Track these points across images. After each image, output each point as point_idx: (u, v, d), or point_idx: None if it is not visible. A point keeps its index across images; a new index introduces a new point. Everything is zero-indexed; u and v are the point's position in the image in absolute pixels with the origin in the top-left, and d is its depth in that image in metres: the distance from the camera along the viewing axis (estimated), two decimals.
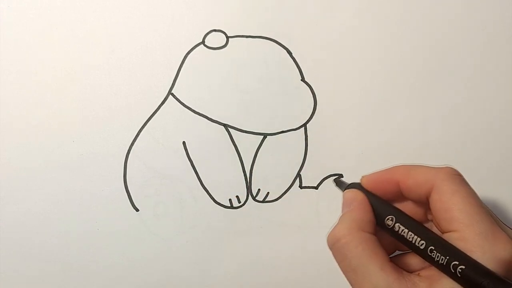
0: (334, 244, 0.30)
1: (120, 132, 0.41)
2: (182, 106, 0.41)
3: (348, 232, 0.29)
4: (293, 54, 0.42)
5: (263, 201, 0.42)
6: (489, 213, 0.28)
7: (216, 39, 0.41)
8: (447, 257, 0.26)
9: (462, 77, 0.42)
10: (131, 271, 0.42)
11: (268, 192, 0.42)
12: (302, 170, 0.42)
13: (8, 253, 0.41)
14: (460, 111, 0.42)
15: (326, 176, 0.42)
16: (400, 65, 0.42)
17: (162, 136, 0.41)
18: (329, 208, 0.42)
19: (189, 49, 0.41)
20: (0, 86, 0.41)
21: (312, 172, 0.42)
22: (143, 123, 0.41)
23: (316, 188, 0.42)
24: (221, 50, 0.41)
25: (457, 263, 0.26)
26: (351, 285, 0.29)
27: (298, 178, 0.42)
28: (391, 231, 0.30)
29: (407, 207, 0.32)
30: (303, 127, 0.42)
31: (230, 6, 0.41)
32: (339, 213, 0.43)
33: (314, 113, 0.42)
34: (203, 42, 0.41)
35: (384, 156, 0.42)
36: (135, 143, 0.41)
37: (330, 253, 0.43)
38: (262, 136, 0.42)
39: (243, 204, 0.42)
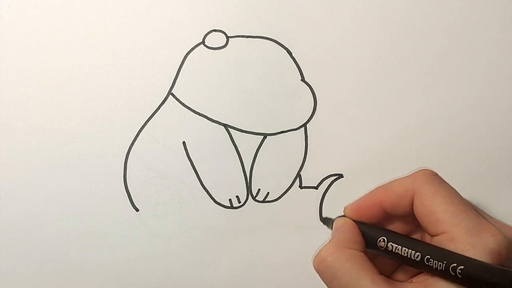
0: (320, 264, 0.29)
1: (120, 132, 0.41)
2: (182, 106, 0.41)
3: (334, 250, 0.29)
4: (293, 54, 0.42)
5: (263, 201, 0.42)
6: (472, 208, 0.28)
7: (216, 39, 0.41)
8: (444, 262, 0.27)
9: (462, 77, 0.42)
10: (131, 271, 0.42)
11: (268, 192, 0.42)
12: (302, 170, 0.42)
13: (8, 253, 0.41)
14: (460, 111, 0.42)
15: (326, 176, 0.42)
16: (400, 65, 0.42)
17: (162, 136, 0.41)
18: (329, 208, 0.42)
19: (189, 49, 0.41)
20: (0, 86, 0.41)
21: (312, 172, 0.42)
22: (143, 123, 0.41)
23: (316, 188, 0.42)
24: (221, 50, 0.41)
25: (455, 265, 0.26)
26: None
27: (298, 178, 0.42)
28: (385, 251, 0.30)
29: (396, 226, 0.32)
30: (303, 127, 0.42)
31: (230, 6, 0.41)
32: (339, 213, 0.43)
33: (314, 113, 0.42)
34: (203, 42, 0.41)
35: (385, 156, 0.42)
36: (135, 143, 0.41)
37: None
38: (262, 136, 0.42)
39: (243, 204, 0.42)
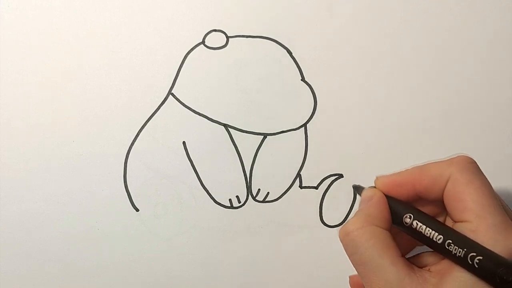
0: (345, 236, 0.29)
1: (120, 132, 0.41)
2: (182, 106, 0.41)
3: (360, 225, 0.29)
4: (293, 54, 0.42)
5: (263, 201, 0.42)
6: (502, 204, 0.28)
7: (216, 39, 0.41)
8: (464, 249, 0.27)
9: (462, 77, 0.42)
10: (131, 271, 0.42)
11: (268, 192, 0.42)
12: (302, 170, 0.42)
13: (8, 253, 0.41)
14: (461, 111, 0.42)
15: (326, 176, 0.42)
16: (400, 65, 0.42)
17: (162, 136, 0.41)
18: (329, 208, 0.42)
19: (189, 49, 0.41)
20: (0, 86, 0.41)
21: (312, 172, 0.42)
22: (143, 123, 0.41)
23: (316, 188, 0.42)
24: (221, 50, 0.41)
25: (474, 254, 0.26)
26: (361, 278, 0.29)
27: (298, 178, 0.42)
28: (409, 228, 0.30)
29: (423, 209, 0.31)
30: (303, 127, 0.42)
31: (230, 6, 0.41)
32: (339, 213, 0.43)
33: (314, 113, 0.42)
34: (203, 42, 0.41)
35: (385, 156, 0.42)
36: (135, 143, 0.41)
37: (330, 253, 0.43)
38: (262, 136, 0.42)
39: (243, 204, 0.42)
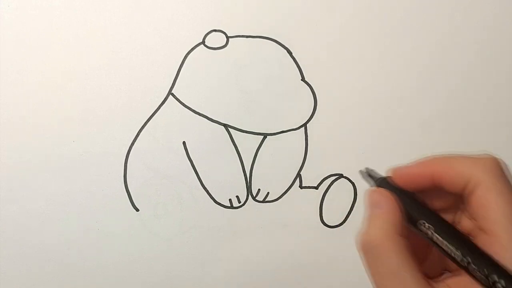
0: (368, 248, 0.28)
1: (120, 132, 0.41)
2: (182, 106, 0.41)
3: (383, 236, 0.28)
4: (293, 54, 0.42)
5: (263, 201, 0.42)
6: None
7: (216, 39, 0.41)
8: (486, 271, 0.25)
9: (462, 77, 0.42)
10: (131, 271, 0.42)
11: (268, 192, 0.42)
12: (302, 170, 0.42)
13: (8, 253, 0.41)
14: (460, 111, 0.42)
15: (326, 176, 0.42)
16: (400, 65, 0.42)
17: (162, 136, 0.41)
18: (329, 208, 0.42)
19: (189, 49, 0.41)
20: (0, 86, 0.41)
21: (312, 172, 0.42)
22: (143, 123, 0.41)
23: (316, 188, 0.42)
24: (221, 50, 0.41)
25: (496, 279, 0.25)
26: (377, 287, 0.28)
27: (298, 178, 0.42)
28: (424, 234, 0.28)
29: (436, 197, 0.30)
30: (303, 127, 0.42)
31: (230, 6, 0.41)
32: (339, 213, 0.43)
33: (314, 113, 0.42)
34: (203, 42, 0.41)
35: (384, 156, 0.42)
36: (135, 143, 0.41)
37: (329, 253, 0.43)
38: (262, 136, 0.42)
39: (243, 204, 0.42)
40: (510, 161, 0.44)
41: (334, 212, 0.42)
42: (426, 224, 0.28)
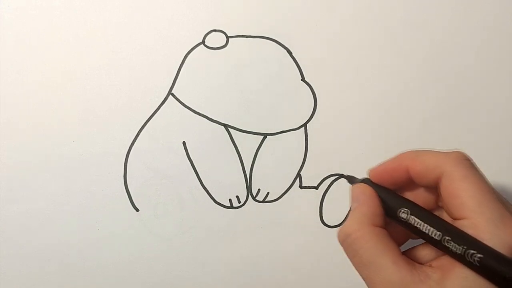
0: (345, 240, 0.29)
1: (120, 132, 0.41)
2: (182, 106, 0.41)
3: (358, 227, 0.29)
4: (293, 54, 0.42)
5: (263, 201, 0.42)
6: (499, 198, 0.28)
7: (216, 39, 0.41)
8: (464, 247, 0.26)
9: (462, 77, 0.42)
10: (131, 271, 0.42)
11: (268, 192, 0.42)
12: (302, 170, 0.42)
13: (8, 253, 0.41)
14: (460, 110, 0.42)
15: (326, 176, 0.42)
16: (400, 65, 0.42)
17: (162, 136, 0.41)
18: (329, 208, 0.42)
19: (189, 49, 0.41)
20: (0, 86, 0.41)
21: (312, 172, 0.42)
22: (143, 123, 0.41)
23: (316, 188, 0.42)
24: (221, 50, 0.41)
25: (474, 252, 0.26)
26: (364, 280, 0.29)
27: (298, 178, 0.42)
28: (404, 223, 0.29)
29: (417, 194, 0.31)
30: (303, 127, 0.42)
31: (230, 6, 0.41)
32: (339, 213, 0.43)
33: (314, 113, 0.42)
34: (203, 42, 0.41)
35: (384, 156, 0.42)
36: (135, 143, 0.41)
37: (329, 253, 0.43)
38: (262, 136, 0.42)
39: (243, 204, 0.42)
40: (510, 161, 0.44)
41: (334, 212, 0.42)
42: (404, 210, 0.29)
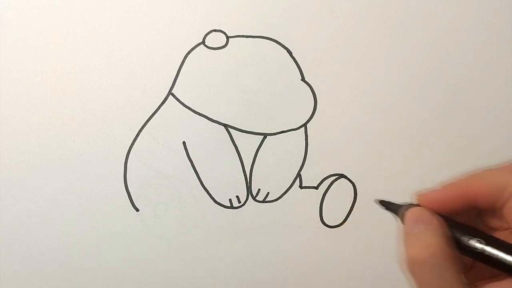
0: (421, 264, 0.26)
1: (120, 132, 0.41)
2: (182, 106, 0.41)
3: (439, 251, 0.25)
4: (293, 54, 0.42)
5: (263, 201, 0.42)
6: None
7: (216, 39, 0.41)
8: None
9: (462, 77, 0.42)
10: (131, 271, 0.42)
11: (268, 192, 0.42)
12: (302, 170, 0.42)
13: (8, 253, 0.41)
14: (460, 111, 0.42)
15: (326, 176, 0.42)
16: (400, 65, 0.42)
17: (162, 136, 0.41)
18: (329, 208, 0.42)
19: (189, 49, 0.41)
20: (0, 86, 0.41)
21: (312, 172, 0.42)
22: (143, 123, 0.41)
23: (316, 188, 0.42)
24: (221, 50, 0.41)
25: None
26: None
27: (298, 178, 0.42)
28: (475, 253, 0.26)
29: (469, 218, 0.28)
30: (303, 127, 0.42)
31: (230, 6, 0.41)
32: (339, 213, 0.43)
33: (314, 113, 0.42)
34: (203, 42, 0.41)
35: (384, 156, 0.42)
36: (135, 143, 0.41)
37: (329, 253, 0.43)
38: (262, 136, 0.42)
39: (243, 204, 0.42)
40: (510, 161, 0.44)
41: (334, 212, 0.42)
42: (478, 239, 0.26)
